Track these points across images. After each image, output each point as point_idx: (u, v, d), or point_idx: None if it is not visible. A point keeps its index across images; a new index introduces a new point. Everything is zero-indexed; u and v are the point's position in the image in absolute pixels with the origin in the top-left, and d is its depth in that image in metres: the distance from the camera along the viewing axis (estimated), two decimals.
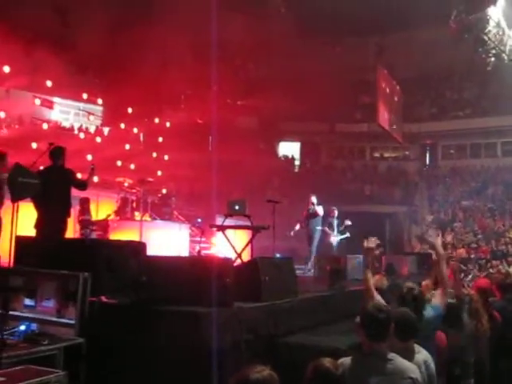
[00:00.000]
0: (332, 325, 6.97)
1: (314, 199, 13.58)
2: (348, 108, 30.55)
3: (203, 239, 13.70)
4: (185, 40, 22.50)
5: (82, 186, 8.44)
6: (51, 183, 7.60)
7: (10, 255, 6.44)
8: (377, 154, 33.08)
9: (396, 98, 27.11)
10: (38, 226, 7.79)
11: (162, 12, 20.99)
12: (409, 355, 3.78)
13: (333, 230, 14.54)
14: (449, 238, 25.12)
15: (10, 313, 4.99)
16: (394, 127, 26.67)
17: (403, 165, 31.72)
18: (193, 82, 23.67)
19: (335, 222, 14.67)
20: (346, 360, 3.49)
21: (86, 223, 11.70)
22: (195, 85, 23.70)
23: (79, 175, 9.25)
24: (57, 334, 4.82)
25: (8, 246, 6.55)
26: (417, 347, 3.99)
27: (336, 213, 14.86)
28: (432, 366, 3.88)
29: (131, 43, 20.11)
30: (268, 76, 27.57)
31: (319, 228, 13.51)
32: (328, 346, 5.32)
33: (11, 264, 6.29)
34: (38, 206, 7.80)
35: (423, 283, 7.50)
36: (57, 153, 8.11)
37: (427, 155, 32.33)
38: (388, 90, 25.39)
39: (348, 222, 14.94)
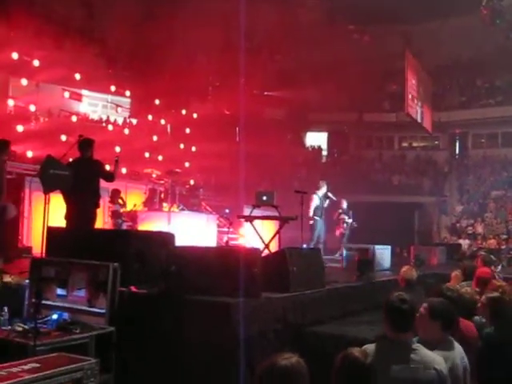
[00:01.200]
0: (360, 315, 6.97)
1: (324, 187, 13.15)
2: (376, 97, 30.24)
3: (231, 230, 13.77)
4: (212, 31, 22.51)
5: (110, 177, 8.54)
6: (80, 175, 7.70)
7: (42, 246, 6.58)
8: (405, 144, 32.65)
9: (425, 87, 26.70)
10: (68, 217, 7.91)
11: (189, 3, 21.04)
12: (449, 345, 3.77)
13: (343, 222, 14.38)
14: (479, 229, 24.79)
15: (43, 302, 5.09)
16: (423, 116, 26.30)
17: (432, 154, 31.27)
18: (220, 74, 23.70)
19: (345, 213, 14.45)
20: (370, 347, 3.48)
21: (117, 214, 11.87)
22: (222, 76, 23.74)
23: (108, 167, 9.36)
24: (88, 323, 4.91)
25: (40, 236, 6.69)
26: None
27: (345, 204, 14.64)
28: (466, 358, 3.86)
29: (159, 35, 20.21)
30: (295, 66, 27.44)
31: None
32: (356, 337, 5.33)
33: (43, 255, 6.43)
34: (67, 198, 7.92)
35: (453, 274, 7.44)
36: (85, 145, 8.22)
37: (457, 144, 31.78)
38: (417, 79, 25.01)
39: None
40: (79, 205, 7.87)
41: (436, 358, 3.44)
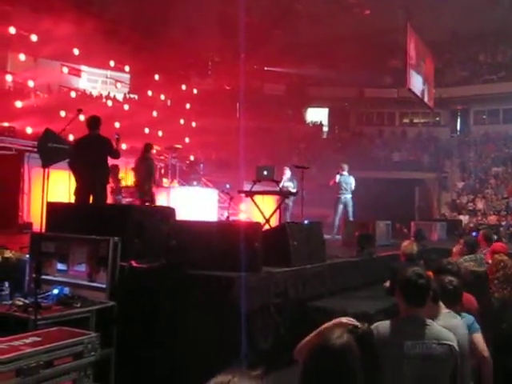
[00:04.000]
0: (360, 290, 6.98)
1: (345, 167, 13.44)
2: (377, 73, 30.00)
3: (231, 205, 13.76)
4: (212, 6, 22.24)
5: (116, 154, 8.56)
6: (90, 151, 7.75)
7: (41, 221, 6.55)
8: (406, 120, 32.55)
9: (427, 62, 26.44)
10: (77, 193, 7.92)
11: None
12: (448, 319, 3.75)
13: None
14: (480, 205, 24.79)
15: (44, 277, 5.08)
16: (425, 92, 26.09)
17: (433, 131, 31.15)
18: (220, 48, 23.49)
19: (289, 183, 13.10)
20: (382, 324, 3.45)
21: (118, 190, 11.84)
22: (223, 51, 23.53)
23: None
24: (89, 298, 4.90)
25: (40, 212, 6.66)
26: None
27: (289, 173, 13.26)
28: (466, 334, 3.83)
29: (158, 10, 19.97)
30: (296, 41, 27.17)
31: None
32: (356, 311, 5.33)
33: (43, 230, 6.41)
34: (77, 174, 7.94)
35: (454, 249, 7.44)
36: (93, 122, 8.21)
37: (458, 121, 31.65)
38: (418, 53, 24.74)
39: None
40: (89, 181, 7.88)
41: (448, 334, 3.42)
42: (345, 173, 13.34)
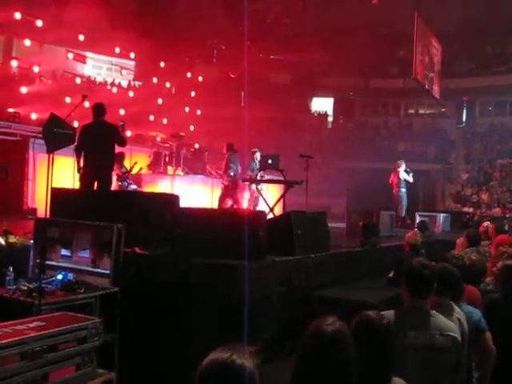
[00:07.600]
0: (364, 280, 6.98)
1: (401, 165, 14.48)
2: (383, 62, 29.84)
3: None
4: None
5: (123, 142, 8.55)
6: (97, 138, 7.75)
7: (46, 207, 6.57)
8: (412, 111, 32.40)
9: (434, 52, 26.24)
10: (82, 179, 7.92)
11: None
12: (446, 311, 3.72)
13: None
14: (484, 197, 24.73)
15: (48, 262, 5.09)
16: (431, 82, 25.92)
17: (439, 122, 30.99)
18: (226, 37, 23.37)
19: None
20: (386, 314, 3.43)
21: (123, 177, 11.84)
22: (228, 39, 23.40)
23: None
24: (92, 283, 4.91)
25: (44, 198, 6.67)
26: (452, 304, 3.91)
27: (258, 156, 12.22)
28: (465, 324, 3.82)
29: None
30: (302, 30, 26.99)
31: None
32: (359, 301, 5.34)
33: (48, 215, 6.42)
34: (82, 160, 7.93)
35: (458, 241, 7.43)
36: (99, 109, 8.19)
37: (464, 112, 31.47)
38: (425, 43, 24.55)
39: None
40: (95, 167, 7.88)
41: (451, 325, 3.42)
42: (400, 169, 14.41)
